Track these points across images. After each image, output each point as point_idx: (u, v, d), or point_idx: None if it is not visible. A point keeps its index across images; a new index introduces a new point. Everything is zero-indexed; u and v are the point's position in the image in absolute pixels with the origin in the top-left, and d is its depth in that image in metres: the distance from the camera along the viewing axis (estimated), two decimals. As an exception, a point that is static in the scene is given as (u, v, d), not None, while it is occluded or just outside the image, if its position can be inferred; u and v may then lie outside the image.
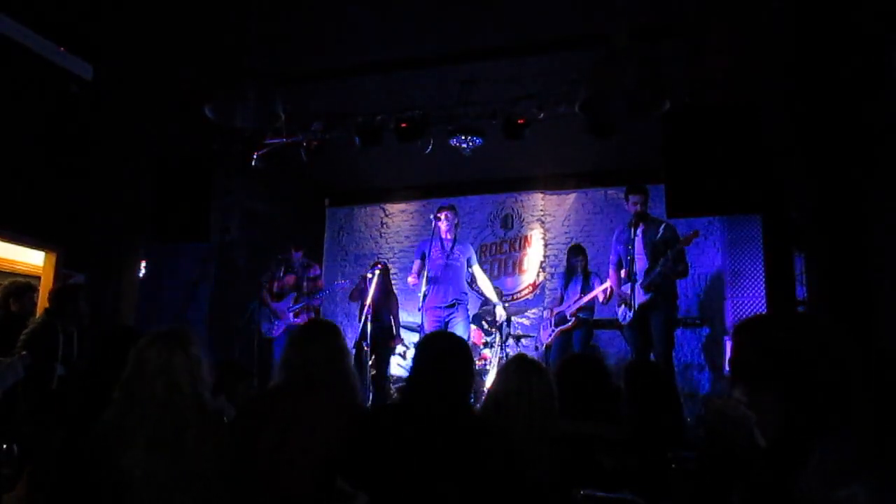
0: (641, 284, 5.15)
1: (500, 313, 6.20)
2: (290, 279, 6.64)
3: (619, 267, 5.58)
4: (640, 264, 5.23)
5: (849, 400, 1.37)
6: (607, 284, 5.94)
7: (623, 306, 5.43)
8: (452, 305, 5.74)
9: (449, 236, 5.94)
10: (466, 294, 5.96)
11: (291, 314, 6.50)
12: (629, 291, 5.20)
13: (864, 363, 1.43)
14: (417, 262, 5.96)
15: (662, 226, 5.33)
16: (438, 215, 5.91)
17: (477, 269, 6.08)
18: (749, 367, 1.52)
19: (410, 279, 5.99)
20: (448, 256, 5.85)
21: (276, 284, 6.62)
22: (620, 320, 5.53)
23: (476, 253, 6.44)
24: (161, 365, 2.12)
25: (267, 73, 4.41)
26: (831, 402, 1.37)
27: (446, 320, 5.72)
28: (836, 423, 1.34)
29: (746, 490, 1.46)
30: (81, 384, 3.50)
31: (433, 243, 5.85)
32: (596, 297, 6.19)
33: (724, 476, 1.75)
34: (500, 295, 7.72)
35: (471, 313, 6.44)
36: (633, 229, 5.34)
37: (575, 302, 6.29)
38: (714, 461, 1.97)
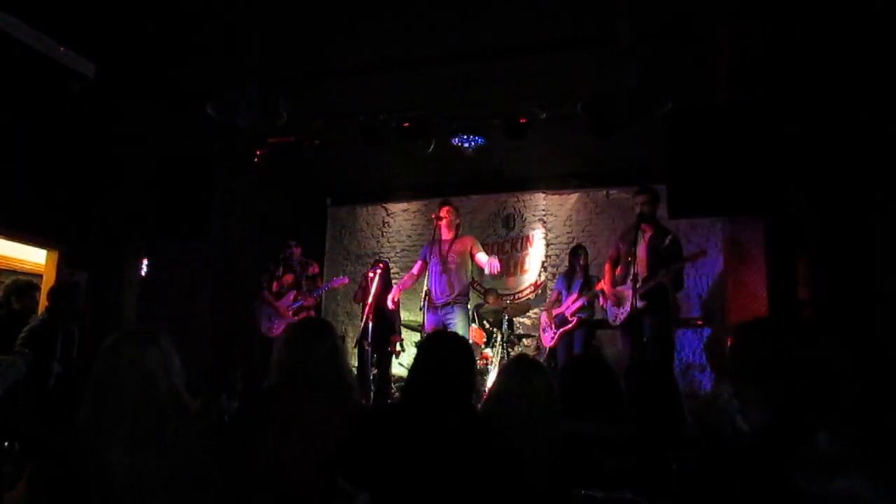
0: (637, 290, 5.07)
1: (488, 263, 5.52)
2: (289, 278, 6.65)
3: (615, 263, 5.52)
4: (641, 269, 5.15)
5: (837, 397, 1.40)
6: (602, 285, 5.85)
7: (613, 306, 5.38)
8: (448, 304, 5.66)
9: (448, 235, 5.82)
10: (466, 295, 5.81)
11: (291, 313, 6.50)
12: (623, 293, 5.17)
13: (854, 363, 1.46)
14: (419, 264, 5.92)
15: (669, 237, 5.23)
16: (439, 213, 5.83)
17: (481, 256, 5.73)
18: (735, 361, 1.59)
19: (403, 282, 6.08)
20: (447, 255, 5.74)
21: (275, 283, 6.63)
22: (611, 321, 5.48)
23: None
24: (135, 360, 2.08)
25: (269, 72, 4.41)
26: (816, 398, 1.41)
27: (444, 321, 5.67)
28: (825, 418, 1.37)
29: (744, 484, 1.47)
30: (81, 383, 3.49)
31: (433, 242, 5.83)
32: (598, 298, 6.11)
33: (719, 468, 1.77)
34: (496, 295, 7.75)
35: (471, 312, 6.40)
36: (637, 231, 5.25)
37: (574, 302, 6.27)
38: (706, 452, 1.99)
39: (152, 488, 1.97)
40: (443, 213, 5.81)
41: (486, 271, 5.55)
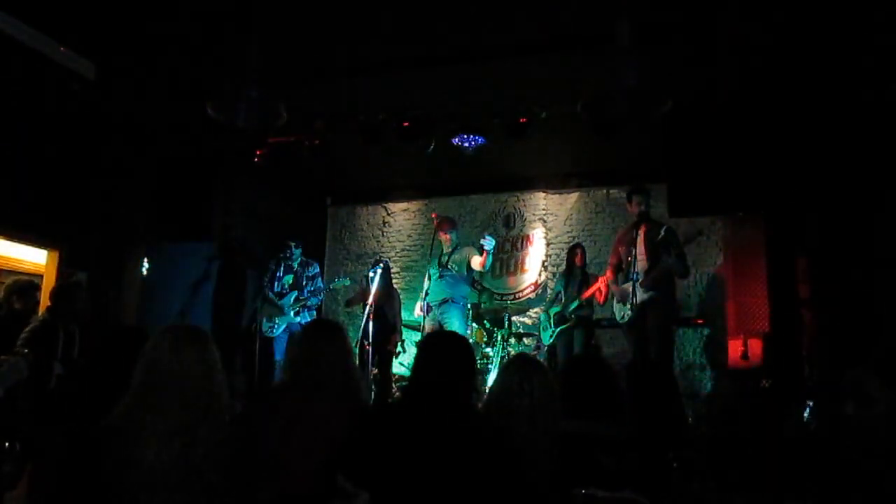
0: (642, 283, 5.13)
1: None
2: (290, 277, 6.64)
3: (617, 268, 5.56)
4: (642, 266, 5.20)
5: None
6: (600, 284, 5.89)
7: (620, 304, 5.42)
8: (445, 302, 5.88)
9: (448, 249, 6.21)
10: (463, 296, 6.07)
11: (292, 312, 6.50)
12: (630, 290, 5.19)
13: None
14: (427, 283, 6.13)
15: (664, 228, 5.29)
16: (439, 236, 6.21)
17: (475, 261, 6.11)
18: None
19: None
20: (447, 264, 6.10)
21: (275, 283, 6.63)
22: (618, 319, 5.53)
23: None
24: (180, 359, 2.13)
25: (269, 72, 4.41)
26: None
27: (439, 319, 5.86)
28: None
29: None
30: (83, 383, 3.49)
31: (433, 253, 6.20)
32: (595, 298, 6.13)
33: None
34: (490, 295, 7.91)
35: (471, 312, 6.49)
36: (635, 230, 5.32)
37: (572, 300, 6.28)
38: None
39: (167, 483, 1.99)
40: (443, 238, 6.23)
41: (476, 267, 6.06)
